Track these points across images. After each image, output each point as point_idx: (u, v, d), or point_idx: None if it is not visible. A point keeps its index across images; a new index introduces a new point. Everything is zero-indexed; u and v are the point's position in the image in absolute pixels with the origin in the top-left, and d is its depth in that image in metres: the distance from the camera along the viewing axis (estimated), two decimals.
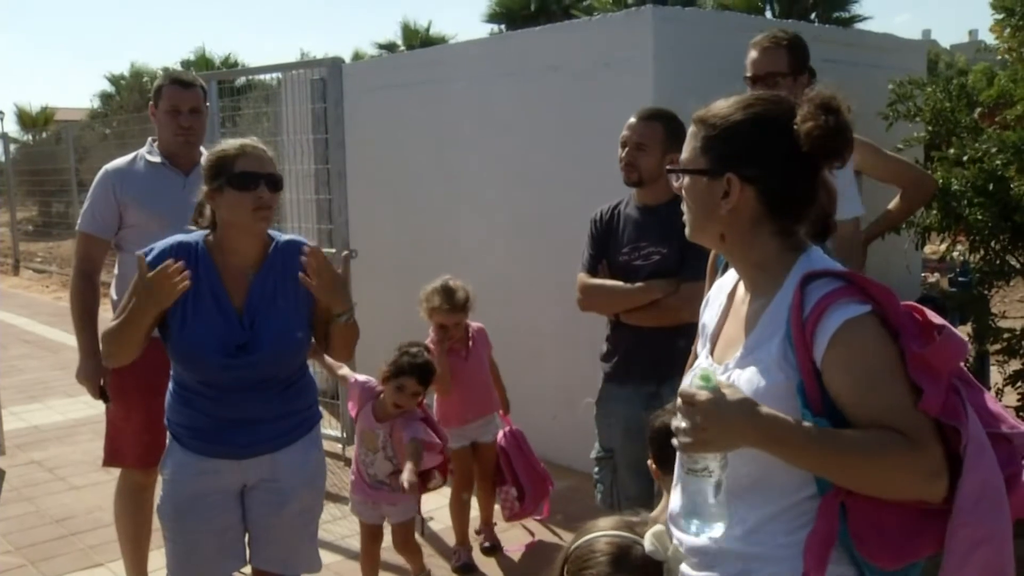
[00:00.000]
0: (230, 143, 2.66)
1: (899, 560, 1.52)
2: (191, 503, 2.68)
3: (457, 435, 4.16)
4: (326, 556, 3.94)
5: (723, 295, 1.79)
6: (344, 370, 3.87)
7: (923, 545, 1.51)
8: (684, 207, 1.71)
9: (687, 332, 2.87)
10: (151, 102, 3.73)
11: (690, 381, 1.51)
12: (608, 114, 4.61)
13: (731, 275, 1.80)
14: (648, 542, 1.57)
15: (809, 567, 1.50)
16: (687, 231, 1.73)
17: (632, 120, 3.35)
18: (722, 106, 1.66)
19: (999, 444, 1.51)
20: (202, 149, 3.69)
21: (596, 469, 3.48)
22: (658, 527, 1.60)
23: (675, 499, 1.64)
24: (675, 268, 3.19)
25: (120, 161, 3.75)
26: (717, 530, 1.53)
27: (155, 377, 3.04)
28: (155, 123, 3.72)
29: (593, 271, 3.41)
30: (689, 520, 1.53)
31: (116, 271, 3.77)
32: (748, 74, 3.49)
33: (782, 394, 1.52)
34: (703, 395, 1.46)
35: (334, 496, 4.96)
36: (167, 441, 2.78)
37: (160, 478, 2.85)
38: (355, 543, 4.43)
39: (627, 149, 3.31)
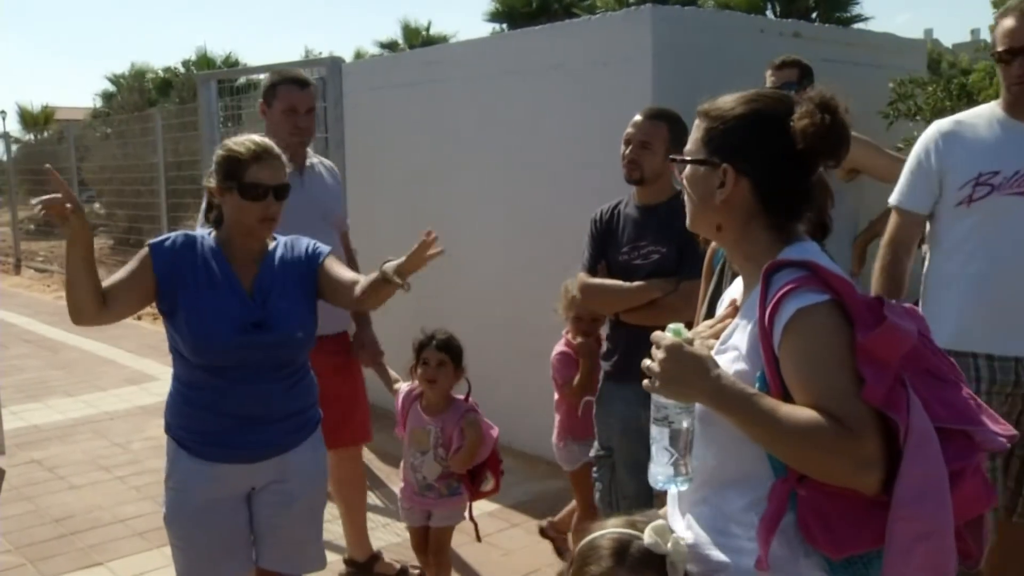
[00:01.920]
0: (245, 143, 2.64)
1: (841, 550, 1.52)
2: (202, 512, 2.66)
3: (582, 450, 3.88)
4: (326, 556, 3.94)
5: (736, 292, 1.83)
6: (399, 383, 3.77)
7: (867, 537, 1.51)
8: (685, 197, 1.76)
9: None
10: (261, 99, 3.74)
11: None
12: (608, 113, 4.62)
13: None
14: (647, 536, 1.58)
15: (760, 551, 1.53)
16: (687, 220, 1.78)
17: (638, 118, 3.34)
18: (726, 100, 1.70)
19: (953, 439, 1.51)
20: (308, 149, 3.80)
21: (595, 468, 3.47)
22: (659, 521, 1.62)
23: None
24: (674, 267, 3.18)
25: None
26: (683, 484, 1.60)
27: (335, 358, 3.74)
28: (265, 120, 3.75)
29: (593, 271, 3.40)
30: (656, 471, 1.60)
31: None
32: (1001, 47, 2.94)
33: (746, 382, 1.57)
34: (668, 338, 1.57)
35: (332, 495, 4.95)
36: (170, 448, 2.73)
37: (165, 485, 2.79)
38: None
39: (631, 147, 3.30)
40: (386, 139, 6.40)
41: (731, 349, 1.64)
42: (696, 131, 1.74)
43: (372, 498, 5.02)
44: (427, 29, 29.29)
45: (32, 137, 29.20)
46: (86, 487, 5.27)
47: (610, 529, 1.64)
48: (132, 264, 2.63)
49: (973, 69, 4.80)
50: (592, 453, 3.49)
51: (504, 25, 25.60)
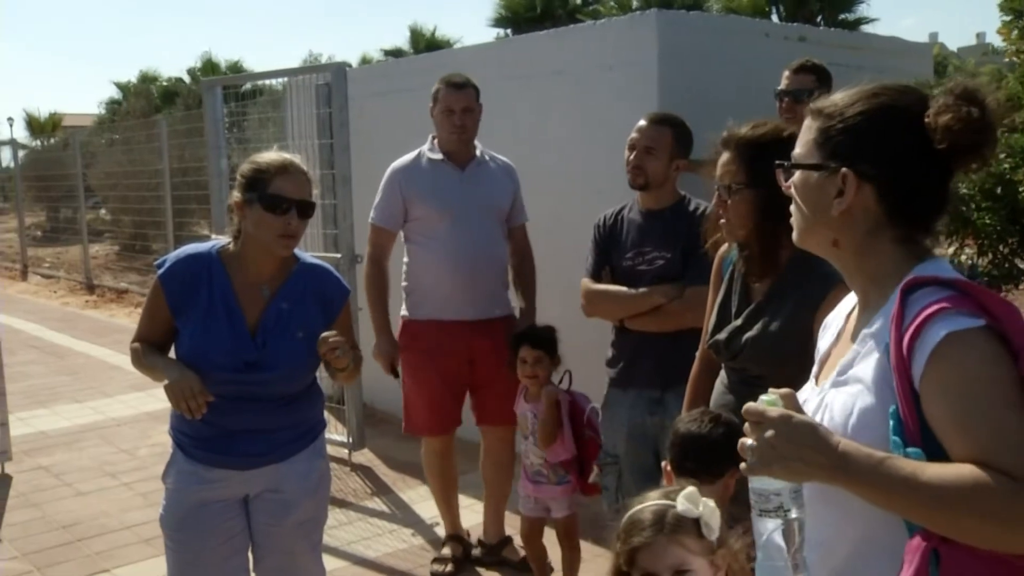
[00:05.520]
0: (272, 157, 2.61)
1: None
2: (194, 513, 2.66)
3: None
4: (332, 562, 3.94)
5: (841, 318, 1.61)
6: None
7: None
8: (792, 208, 1.53)
9: (691, 337, 2.87)
10: (431, 104, 4.02)
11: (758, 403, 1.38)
12: (613, 118, 4.61)
13: (853, 296, 1.61)
14: (680, 503, 1.68)
15: None
16: (795, 236, 1.55)
17: (642, 123, 3.34)
18: (843, 96, 1.48)
19: None
20: (476, 143, 4.07)
21: (602, 474, 3.47)
22: (689, 488, 1.69)
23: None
24: (679, 273, 3.18)
25: (405, 159, 4.11)
26: None
27: (440, 362, 3.97)
28: (434, 122, 4.05)
29: (597, 276, 3.39)
30: (768, 573, 1.36)
31: (405, 259, 4.14)
32: None
33: (875, 420, 1.35)
34: (773, 411, 1.33)
35: (340, 501, 4.95)
36: (171, 450, 2.75)
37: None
38: (360, 548, 4.43)
39: (635, 152, 3.30)
40: (391, 144, 6.38)
41: (853, 381, 1.41)
42: (807, 132, 1.50)
43: (378, 503, 5.02)
44: (433, 33, 29.31)
45: (39, 144, 29.29)
46: (93, 493, 5.27)
47: (649, 503, 1.75)
48: (151, 303, 2.67)
49: (979, 72, 4.80)
50: (598, 459, 3.48)
51: (508, 30, 25.63)
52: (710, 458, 2.12)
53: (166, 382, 2.49)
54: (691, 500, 1.68)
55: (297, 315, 2.64)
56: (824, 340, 1.64)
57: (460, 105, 3.95)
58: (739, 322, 2.46)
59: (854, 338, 1.48)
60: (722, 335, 2.50)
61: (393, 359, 4.04)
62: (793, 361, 1.81)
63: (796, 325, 2.25)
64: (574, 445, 3.64)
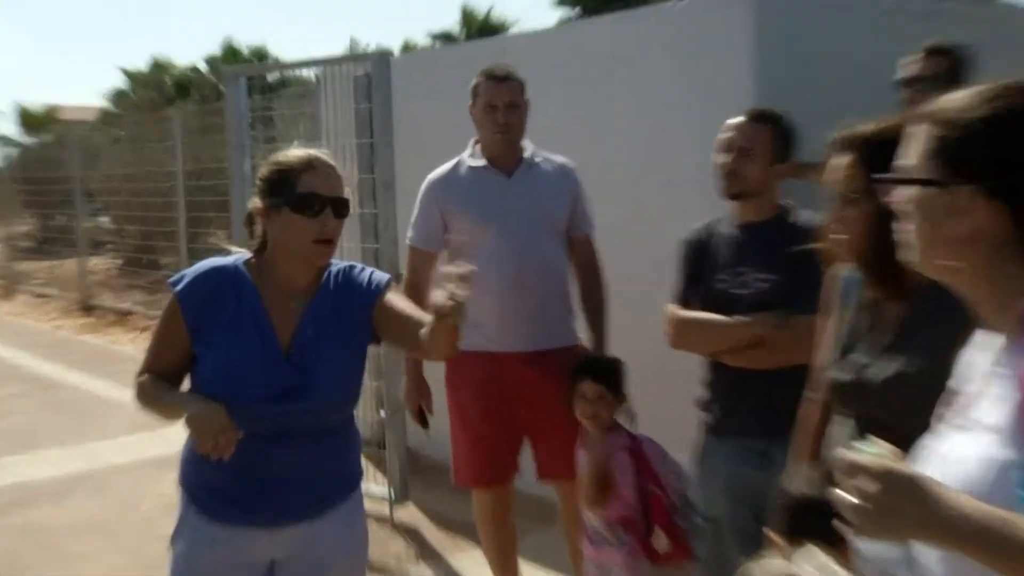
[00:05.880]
0: (295, 154, 2.64)
1: None
2: None
3: None
4: None
5: (977, 352, 1.60)
6: None
7: None
8: (904, 226, 1.55)
9: (800, 375, 2.82)
10: (470, 102, 4.08)
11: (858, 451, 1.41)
12: (698, 115, 4.58)
13: None
14: (798, 566, 1.75)
15: None
16: (910, 258, 1.56)
17: (737, 120, 3.32)
18: (960, 98, 1.47)
19: None
20: (524, 144, 4.08)
21: (695, 539, 3.42)
22: (810, 547, 1.77)
23: None
24: (784, 298, 3.13)
25: (442, 169, 4.20)
26: None
27: (490, 401, 4.00)
28: (474, 122, 4.09)
29: (685, 302, 3.37)
30: None
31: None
32: None
33: (1000, 471, 1.34)
34: (870, 460, 1.34)
35: (379, 567, 4.90)
36: (181, 502, 2.74)
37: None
38: None
39: (729, 155, 3.27)
40: (439, 144, 6.40)
41: (975, 425, 1.41)
42: (920, 140, 1.51)
43: (425, 570, 5.00)
44: (487, 16, 29.48)
45: (31, 141, 29.89)
46: (87, 559, 5.22)
47: (765, 563, 1.84)
48: (164, 326, 2.68)
49: None
50: (690, 523, 3.44)
51: (576, 9, 25.67)
52: (828, 525, 2.08)
53: (186, 416, 2.46)
54: (811, 562, 1.72)
55: (335, 327, 2.66)
56: (958, 378, 1.63)
57: (504, 100, 3.96)
58: (865, 359, 2.41)
59: (983, 375, 1.48)
60: (844, 375, 2.45)
61: (419, 404, 4.09)
62: (933, 407, 1.76)
63: (936, 365, 2.18)
64: (636, 499, 3.52)
